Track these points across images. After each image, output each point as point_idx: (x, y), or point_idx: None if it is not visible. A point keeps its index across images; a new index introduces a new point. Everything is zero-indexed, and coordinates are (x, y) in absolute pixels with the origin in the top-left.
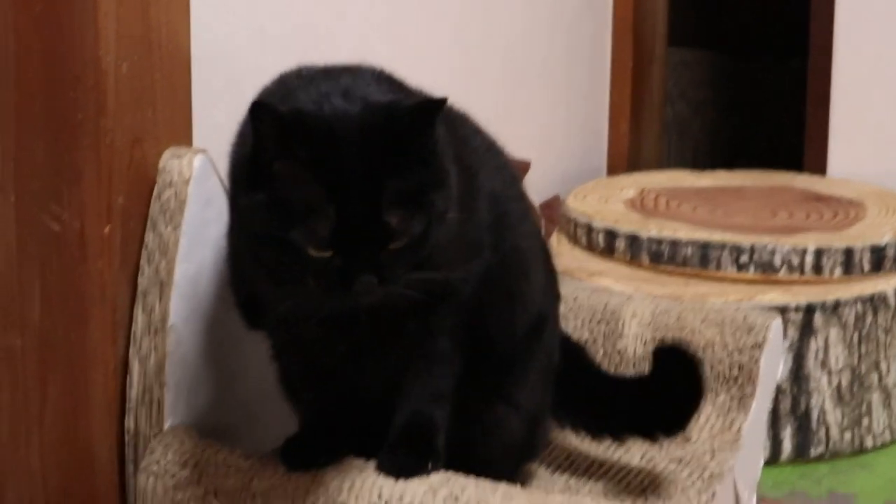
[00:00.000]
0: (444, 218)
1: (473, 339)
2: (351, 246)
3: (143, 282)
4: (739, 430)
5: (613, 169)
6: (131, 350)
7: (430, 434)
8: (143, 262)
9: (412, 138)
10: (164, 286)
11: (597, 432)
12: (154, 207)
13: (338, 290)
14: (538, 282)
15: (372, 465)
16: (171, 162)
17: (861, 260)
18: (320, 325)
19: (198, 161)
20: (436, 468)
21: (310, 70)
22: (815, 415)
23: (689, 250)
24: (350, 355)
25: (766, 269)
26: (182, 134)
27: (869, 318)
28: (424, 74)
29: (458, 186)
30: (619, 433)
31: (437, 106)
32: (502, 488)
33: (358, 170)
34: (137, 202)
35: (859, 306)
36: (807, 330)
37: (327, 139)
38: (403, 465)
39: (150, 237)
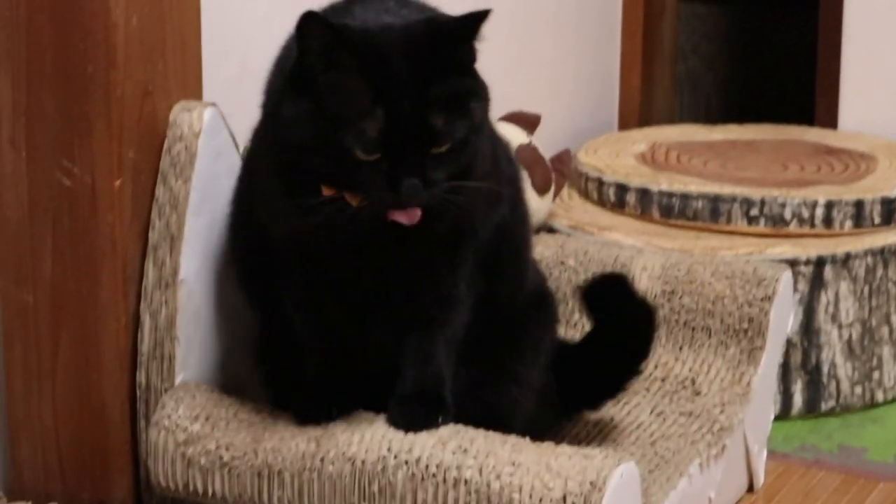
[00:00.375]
0: (482, 128)
1: (484, 299)
2: (398, 148)
3: (153, 236)
4: (749, 383)
5: (624, 123)
6: (142, 305)
7: (440, 386)
8: (153, 216)
9: (455, 48)
10: (174, 240)
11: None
12: (164, 161)
13: (384, 193)
14: (533, 260)
15: (381, 418)
16: (182, 115)
17: (871, 212)
18: (345, 258)
19: (208, 114)
20: (446, 421)
21: (346, 2)
22: (825, 369)
23: (700, 204)
24: (367, 297)
25: (777, 223)
26: (192, 88)
27: (879, 272)
28: None
29: (488, 134)
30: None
31: (479, 18)
32: (511, 440)
33: (404, 76)
34: (148, 156)
35: (870, 259)
36: (817, 283)
37: (374, 48)
38: (414, 417)
39: (160, 191)
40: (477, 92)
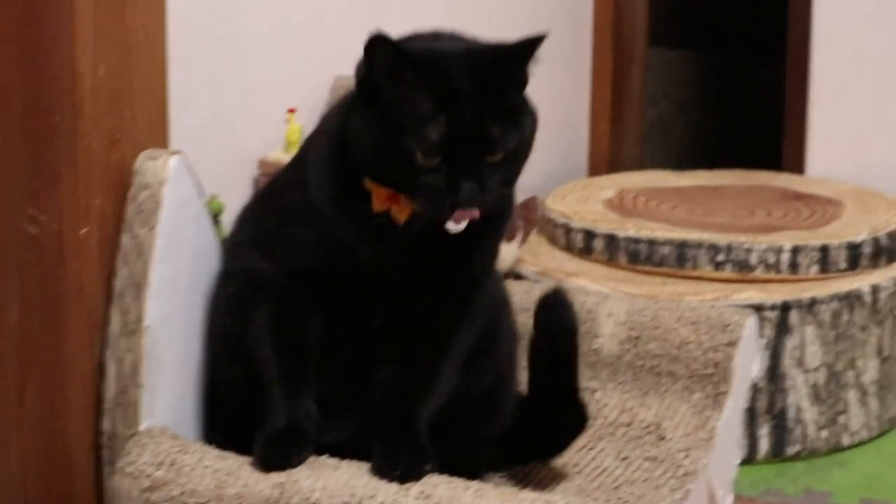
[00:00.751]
0: (530, 141)
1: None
2: (458, 153)
3: (118, 283)
4: (714, 428)
5: (594, 170)
6: (107, 352)
7: (421, 429)
8: (118, 263)
9: (511, 67)
10: (139, 288)
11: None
12: (130, 209)
13: (444, 195)
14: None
15: (345, 464)
16: (147, 164)
17: (837, 258)
18: (374, 275)
19: (173, 163)
20: (433, 469)
21: (410, 35)
22: (791, 413)
23: (666, 250)
24: (381, 318)
25: (743, 268)
26: (159, 135)
27: (845, 316)
28: None
29: None
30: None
31: (535, 42)
32: (474, 486)
33: (464, 88)
34: (115, 204)
35: (835, 304)
36: (783, 328)
37: (436, 64)
38: (405, 468)
39: (125, 239)
40: (527, 109)
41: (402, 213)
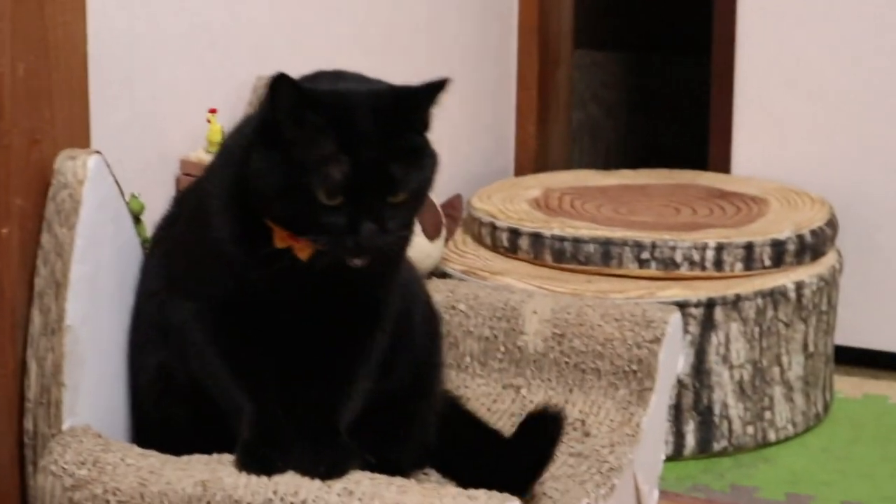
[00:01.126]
0: (431, 182)
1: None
2: (360, 194)
3: (39, 283)
4: (639, 424)
5: (521, 170)
6: (29, 351)
7: (340, 426)
8: (39, 263)
9: (415, 110)
10: (60, 287)
11: (446, 474)
12: (49, 208)
13: (345, 236)
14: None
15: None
16: (66, 163)
17: (762, 255)
18: (283, 309)
19: (92, 162)
20: (357, 467)
21: (315, 73)
22: (717, 409)
23: (591, 248)
24: (299, 343)
25: (668, 266)
26: (80, 135)
27: (770, 313)
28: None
29: None
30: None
31: (439, 86)
32: (397, 482)
33: (367, 129)
34: (35, 203)
35: (760, 301)
36: (708, 325)
37: (340, 106)
38: (328, 465)
39: (45, 238)
40: (429, 151)
41: (303, 250)
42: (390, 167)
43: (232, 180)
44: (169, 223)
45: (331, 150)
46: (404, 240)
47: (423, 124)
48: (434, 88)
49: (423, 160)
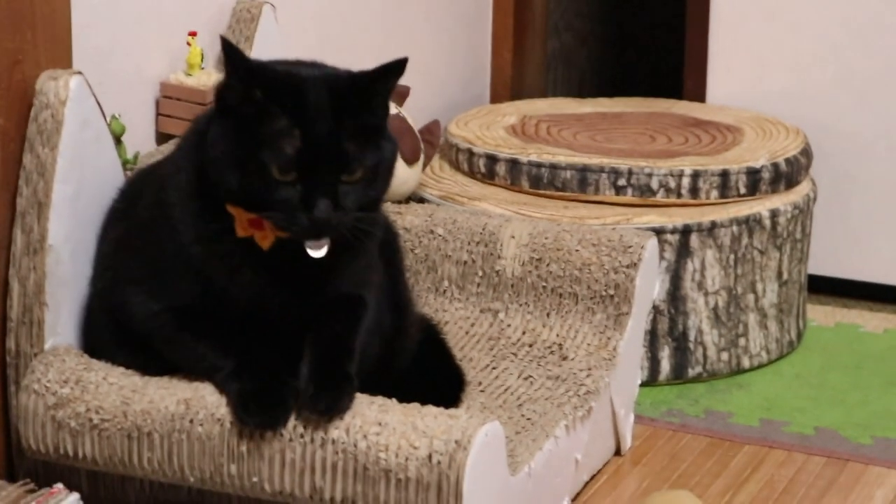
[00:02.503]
0: (390, 166)
1: None
2: (313, 169)
3: (21, 203)
4: (615, 348)
5: (496, 98)
6: (11, 271)
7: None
8: (21, 183)
9: (370, 90)
10: (42, 207)
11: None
12: (31, 129)
13: (299, 213)
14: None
15: None
16: (48, 84)
17: (737, 183)
18: (253, 296)
19: (74, 82)
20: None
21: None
22: (692, 336)
23: (568, 174)
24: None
25: (644, 192)
26: (62, 57)
27: (745, 240)
28: (303, 4)
29: None
30: None
31: (395, 69)
32: (378, 400)
33: (322, 106)
34: (17, 124)
35: (735, 228)
36: (683, 251)
37: (292, 83)
38: (331, 405)
39: (27, 159)
40: (386, 134)
41: (264, 239)
42: (343, 143)
43: (192, 170)
44: (117, 217)
45: (282, 125)
46: (367, 226)
47: (381, 106)
48: (389, 71)
49: (379, 141)
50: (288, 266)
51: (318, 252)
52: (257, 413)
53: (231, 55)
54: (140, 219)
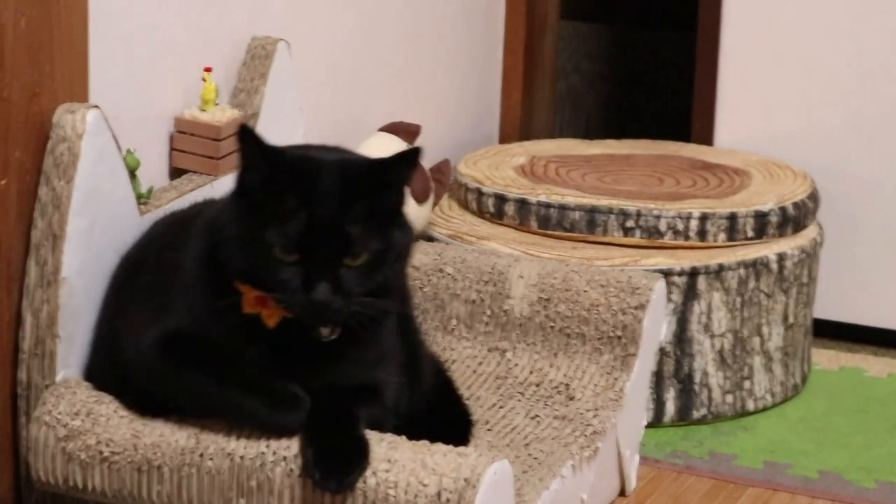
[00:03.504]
0: (402, 253)
1: None
2: (315, 251)
3: (36, 235)
4: (622, 389)
5: (505, 138)
6: (24, 302)
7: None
8: (36, 215)
9: (383, 177)
10: (56, 239)
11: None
12: (47, 161)
13: (299, 294)
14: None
15: None
16: (65, 117)
17: (745, 226)
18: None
19: (91, 116)
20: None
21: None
22: (697, 377)
23: (577, 215)
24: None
25: (652, 234)
26: (79, 90)
27: (751, 283)
28: (320, 39)
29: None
30: None
31: (410, 159)
32: (388, 437)
33: (330, 191)
34: (34, 156)
35: (742, 271)
36: (690, 294)
37: (305, 165)
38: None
39: (43, 191)
40: (402, 222)
41: (271, 317)
42: (347, 227)
43: (204, 249)
44: (131, 265)
45: (290, 205)
46: (373, 312)
47: (395, 194)
48: (403, 160)
49: (389, 228)
50: (295, 346)
51: (330, 335)
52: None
53: (247, 139)
54: (156, 272)
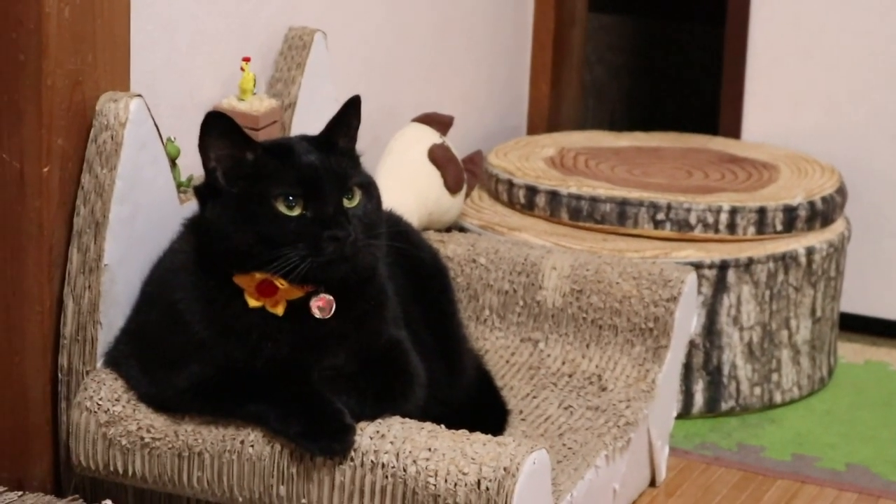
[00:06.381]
0: (377, 195)
1: None
2: (317, 196)
3: (78, 222)
4: (654, 380)
5: (533, 129)
6: (66, 289)
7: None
8: (79, 202)
9: (343, 123)
10: (99, 227)
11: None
12: (91, 150)
13: (318, 237)
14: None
15: None
16: (108, 105)
17: (774, 220)
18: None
19: (134, 105)
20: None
21: None
22: (726, 370)
23: (608, 207)
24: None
25: (682, 227)
26: (121, 79)
27: (780, 277)
28: (352, 34)
29: None
30: None
31: (357, 100)
32: (428, 426)
33: (308, 145)
34: (76, 144)
35: (771, 264)
36: (720, 287)
37: (279, 140)
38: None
39: (86, 179)
40: (361, 164)
41: (277, 304)
42: (336, 167)
43: (191, 263)
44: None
45: (275, 166)
46: (377, 251)
47: (352, 140)
48: (351, 106)
49: (358, 166)
50: (307, 329)
51: (323, 314)
52: (325, 440)
53: (216, 126)
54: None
